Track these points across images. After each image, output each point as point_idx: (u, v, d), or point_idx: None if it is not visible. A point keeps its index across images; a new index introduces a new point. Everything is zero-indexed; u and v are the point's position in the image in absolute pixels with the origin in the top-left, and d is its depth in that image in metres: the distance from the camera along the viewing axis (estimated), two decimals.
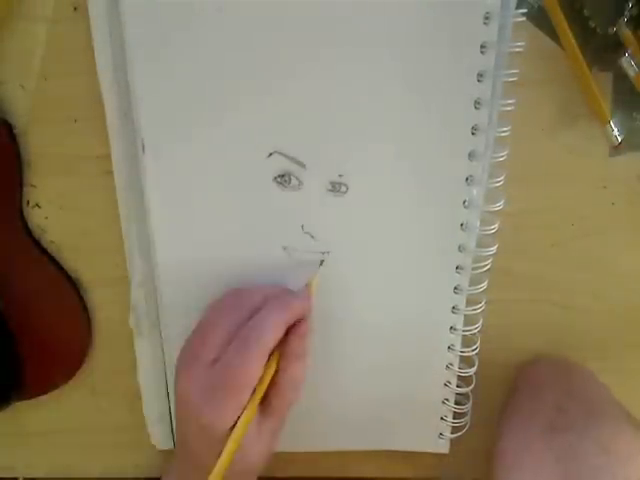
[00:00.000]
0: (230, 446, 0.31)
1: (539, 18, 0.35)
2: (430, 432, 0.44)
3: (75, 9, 0.35)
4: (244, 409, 0.32)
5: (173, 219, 0.37)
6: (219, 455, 0.31)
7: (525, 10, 0.34)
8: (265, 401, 0.34)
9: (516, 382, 0.43)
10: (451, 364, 0.41)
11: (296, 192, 0.37)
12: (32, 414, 0.45)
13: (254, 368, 0.32)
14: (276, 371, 0.33)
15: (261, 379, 0.32)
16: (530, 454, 0.36)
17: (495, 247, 0.38)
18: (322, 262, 0.38)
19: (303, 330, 0.34)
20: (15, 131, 0.38)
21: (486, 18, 0.34)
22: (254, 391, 0.32)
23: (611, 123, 0.37)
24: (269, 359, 0.33)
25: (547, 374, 0.42)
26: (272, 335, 0.32)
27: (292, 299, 0.34)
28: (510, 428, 0.40)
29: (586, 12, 0.34)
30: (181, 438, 0.36)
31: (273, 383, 0.33)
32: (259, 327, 0.32)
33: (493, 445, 0.39)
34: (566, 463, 0.34)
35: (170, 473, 0.38)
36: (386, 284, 0.39)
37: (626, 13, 0.33)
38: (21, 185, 0.39)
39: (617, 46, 0.35)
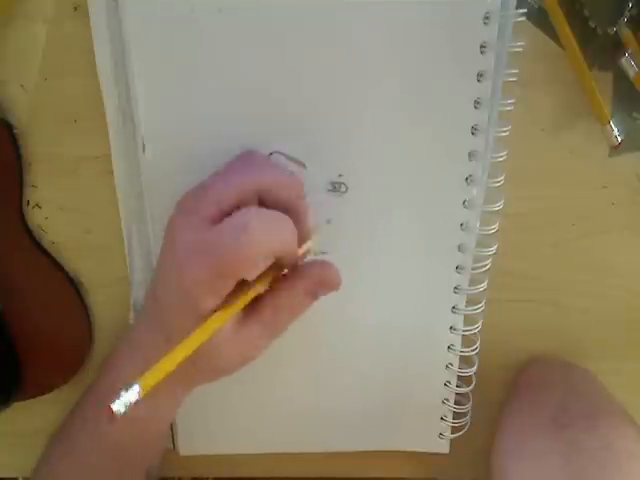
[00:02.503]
0: (200, 333, 0.29)
1: (539, 18, 0.35)
2: (430, 432, 0.44)
3: (75, 9, 0.35)
4: (229, 299, 0.30)
5: None
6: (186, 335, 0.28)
7: (525, 10, 0.34)
8: (257, 306, 0.32)
9: (516, 381, 0.43)
10: (451, 364, 0.41)
11: None
12: (32, 414, 0.45)
13: (252, 259, 0.29)
14: (277, 287, 0.32)
15: (259, 279, 0.31)
16: (533, 447, 0.36)
17: (495, 247, 0.38)
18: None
19: (334, 275, 0.32)
20: (15, 131, 0.38)
21: (486, 18, 0.34)
22: (247, 287, 0.30)
23: (611, 123, 0.36)
24: (273, 267, 0.31)
25: (549, 373, 0.42)
26: (280, 244, 0.30)
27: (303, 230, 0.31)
28: (512, 424, 0.40)
29: (586, 12, 0.34)
30: (156, 295, 0.33)
31: (271, 297, 0.32)
32: (272, 225, 0.29)
33: (493, 442, 0.39)
34: (570, 457, 0.35)
35: (131, 339, 0.36)
36: (386, 284, 0.39)
37: (626, 13, 0.33)
38: (21, 185, 0.39)
39: (617, 46, 0.35)
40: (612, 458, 0.34)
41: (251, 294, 0.31)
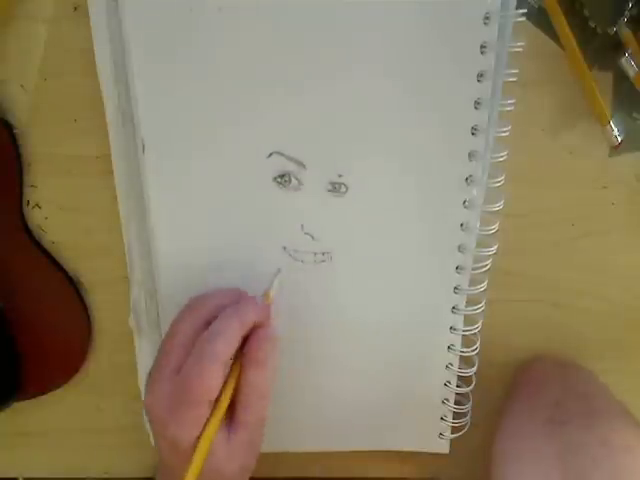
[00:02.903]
0: (195, 460, 0.30)
1: (539, 18, 0.35)
2: (430, 432, 0.44)
3: (75, 9, 0.35)
4: (206, 422, 0.31)
5: (173, 219, 0.37)
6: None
7: (525, 10, 0.34)
8: (232, 414, 0.33)
9: (515, 380, 0.43)
10: (451, 364, 0.41)
11: (296, 192, 0.37)
12: (32, 414, 0.45)
13: (210, 380, 0.31)
14: (238, 381, 0.33)
15: (222, 390, 0.32)
16: (530, 447, 0.36)
17: (495, 247, 0.38)
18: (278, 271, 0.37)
19: (262, 335, 0.33)
20: (15, 131, 0.38)
21: (486, 18, 0.34)
22: (217, 403, 0.32)
23: (611, 123, 0.36)
24: (231, 369, 0.32)
25: (546, 372, 0.42)
26: (225, 346, 0.31)
27: (245, 307, 0.33)
28: (510, 423, 0.40)
29: (586, 12, 0.34)
30: (159, 453, 0.35)
31: (238, 394, 0.33)
32: (212, 338, 0.31)
33: (492, 442, 0.39)
34: (566, 455, 0.35)
35: None
36: (386, 284, 0.39)
37: (626, 13, 0.33)
38: (21, 185, 0.39)
39: (617, 46, 0.35)
40: (608, 454, 0.34)
41: (226, 399, 0.32)
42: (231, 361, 0.32)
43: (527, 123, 0.38)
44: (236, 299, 0.34)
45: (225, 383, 0.32)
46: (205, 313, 0.33)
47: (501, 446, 0.39)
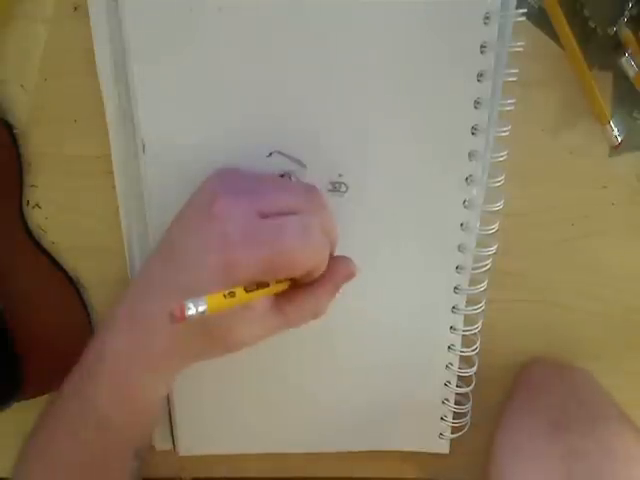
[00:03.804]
0: (251, 294, 0.29)
1: (539, 18, 0.35)
2: (430, 432, 0.44)
3: (75, 9, 0.35)
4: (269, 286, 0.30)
5: None
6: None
7: (525, 10, 0.34)
8: (283, 298, 0.32)
9: (516, 382, 0.43)
10: (451, 364, 0.41)
11: None
12: (32, 414, 0.45)
13: (306, 265, 0.30)
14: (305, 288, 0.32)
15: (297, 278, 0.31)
16: (532, 450, 0.36)
17: (495, 247, 0.38)
18: None
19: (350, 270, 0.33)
20: (15, 131, 0.38)
21: (486, 18, 0.34)
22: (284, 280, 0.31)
23: (611, 123, 0.37)
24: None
25: (548, 374, 0.42)
26: (325, 255, 0.30)
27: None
28: (511, 425, 0.40)
29: (586, 12, 0.34)
30: (175, 255, 0.32)
31: (300, 293, 0.32)
32: (329, 224, 0.31)
33: (492, 442, 0.39)
34: (568, 461, 0.35)
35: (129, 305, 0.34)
36: (386, 284, 0.39)
37: (626, 13, 0.33)
38: (21, 185, 0.39)
39: (617, 46, 0.35)
40: (609, 462, 0.34)
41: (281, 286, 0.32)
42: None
43: (527, 123, 0.38)
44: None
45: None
46: (304, 206, 0.31)
47: (502, 446, 0.39)
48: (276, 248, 0.29)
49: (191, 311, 0.24)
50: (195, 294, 0.26)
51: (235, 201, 0.30)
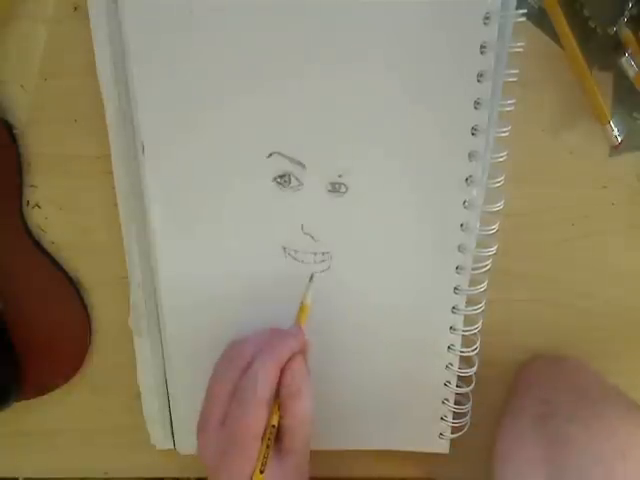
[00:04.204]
0: None
1: (539, 18, 0.35)
2: (430, 432, 0.44)
3: (75, 9, 0.35)
4: (257, 457, 0.32)
5: (173, 219, 0.37)
6: None
7: (525, 10, 0.34)
8: (280, 443, 0.34)
9: (515, 380, 0.43)
10: (451, 364, 0.41)
11: (296, 192, 0.37)
12: (32, 414, 0.45)
13: (255, 420, 0.32)
14: (281, 411, 0.34)
15: (267, 424, 0.33)
16: (521, 445, 0.37)
17: (495, 247, 0.38)
18: (312, 277, 0.37)
19: (295, 366, 0.34)
20: (15, 131, 0.38)
21: (486, 18, 0.34)
22: (264, 437, 0.33)
23: (611, 123, 0.37)
24: (274, 402, 0.34)
25: (543, 369, 0.42)
26: (266, 385, 0.33)
27: (281, 343, 0.34)
28: (509, 419, 0.40)
29: (586, 12, 0.34)
30: None
31: (282, 424, 0.34)
32: (252, 380, 0.33)
33: (493, 442, 0.39)
34: (552, 446, 0.35)
35: None
36: (386, 284, 0.39)
37: (626, 13, 0.33)
38: (21, 185, 0.39)
39: (617, 46, 0.35)
40: (586, 441, 0.34)
41: (270, 434, 0.33)
42: (272, 397, 0.34)
43: (527, 123, 0.38)
44: (269, 338, 0.35)
45: (269, 417, 0.33)
46: (242, 362, 0.34)
47: (499, 446, 0.39)
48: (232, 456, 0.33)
49: None
50: None
51: (201, 438, 0.35)
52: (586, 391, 0.39)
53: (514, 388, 0.42)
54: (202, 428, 0.35)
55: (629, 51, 0.34)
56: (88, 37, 0.35)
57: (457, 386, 0.42)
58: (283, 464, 0.34)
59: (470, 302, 0.40)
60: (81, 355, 0.43)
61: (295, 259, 0.38)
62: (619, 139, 0.37)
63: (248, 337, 0.36)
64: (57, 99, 0.37)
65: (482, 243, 0.38)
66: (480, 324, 0.40)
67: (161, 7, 0.33)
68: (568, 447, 0.34)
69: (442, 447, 0.44)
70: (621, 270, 0.41)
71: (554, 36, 0.35)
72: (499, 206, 0.38)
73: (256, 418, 0.32)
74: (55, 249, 0.41)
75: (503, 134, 0.36)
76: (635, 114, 0.36)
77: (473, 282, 0.39)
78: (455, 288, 0.39)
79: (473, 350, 0.41)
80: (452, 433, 0.43)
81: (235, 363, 0.35)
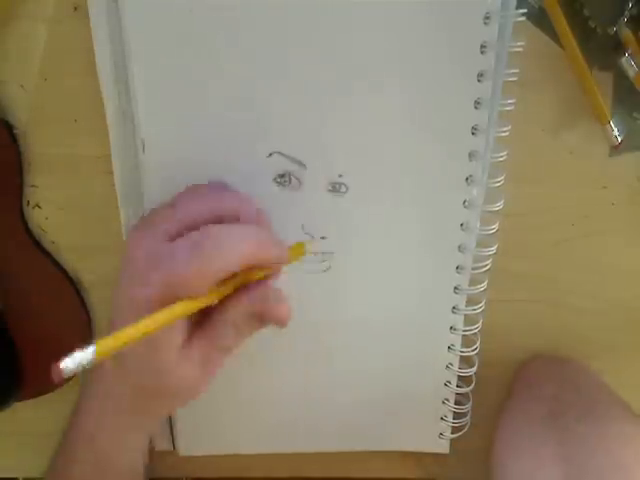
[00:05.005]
0: (140, 324, 0.27)
1: (539, 18, 0.35)
2: (430, 432, 0.44)
3: (75, 9, 0.35)
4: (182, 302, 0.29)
5: None
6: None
7: (525, 10, 0.34)
8: (204, 321, 0.31)
9: (515, 379, 0.43)
10: (451, 364, 0.41)
11: (296, 192, 0.37)
12: (32, 414, 0.45)
13: (203, 276, 0.29)
14: (232, 297, 0.31)
15: (208, 293, 0.29)
16: (529, 439, 0.37)
17: (495, 247, 0.38)
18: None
19: (273, 296, 0.31)
20: (15, 131, 0.38)
21: (486, 18, 0.34)
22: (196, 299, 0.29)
23: (611, 123, 0.37)
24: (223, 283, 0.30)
25: (543, 369, 0.42)
26: (237, 258, 0.29)
27: (268, 239, 0.31)
28: (508, 421, 0.40)
29: (586, 12, 0.34)
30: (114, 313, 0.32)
31: (219, 308, 0.31)
32: (228, 240, 0.29)
33: (492, 441, 0.39)
34: (563, 444, 0.35)
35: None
36: (386, 284, 0.39)
37: (626, 13, 0.33)
38: (21, 185, 0.39)
39: (617, 46, 0.35)
40: (603, 444, 0.34)
41: (204, 301, 0.30)
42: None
43: (527, 123, 0.38)
44: (262, 222, 0.32)
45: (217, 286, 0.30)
46: (227, 207, 0.31)
47: (500, 444, 0.39)
48: (166, 268, 0.29)
49: (70, 366, 0.25)
50: (114, 330, 0.27)
51: (140, 232, 0.32)
52: (591, 393, 0.39)
53: (516, 387, 0.42)
54: (144, 228, 0.31)
55: (629, 51, 0.34)
56: (88, 37, 0.35)
57: (457, 386, 0.42)
58: (194, 341, 0.31)
59: (470, 302, 0.40)
60: None
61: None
62: (619, 139, 0.37)
63: (245, 196, 0.33)
64: (57, 99, 0.37)
65: (482, 243, 0.38)
66: (480, 324, 0.40)
67: (161, 6, 0.33)
68: (584, 448, 0.34)
69: (442, 447, 0.44)
70: (621, 270, 0.41)
71: (554, 36, 0.35)
72: (499, 206, 0.38)
73: (202, 280, 0.28)
74: (55, 249, 0.41)
75: (503, 134, 0.36)
76: (635, 114, 0.36)
77: (473, 282, 0.39)
78: (455, 288, 0.39)
79: (473, 350, 0.41)
80: (452, 433, 0.43)
81: (219, 202, 0.32)
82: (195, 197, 0.33)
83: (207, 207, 0.31)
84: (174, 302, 0.29)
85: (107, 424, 0.34)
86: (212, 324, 0.32)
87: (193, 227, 0.30)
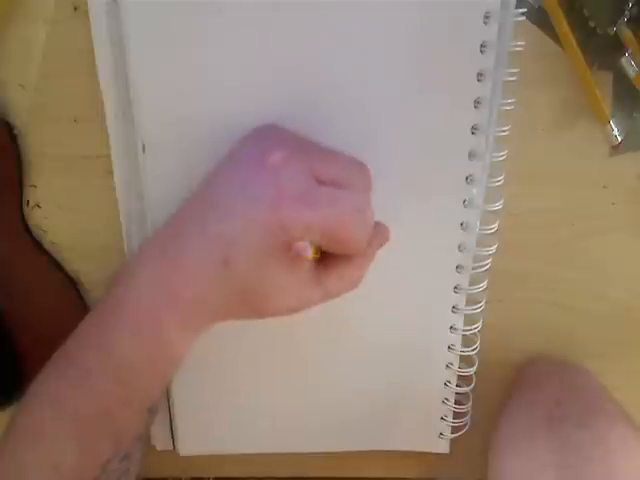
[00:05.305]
0: None
1: (539, 18, 0.35)
2: (430, 432, 0.44)
3: (75, 9, 0.35)
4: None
5: None
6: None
7: (525, 10, 0.34)
8: (320, 265, 0.31)
9: (515, 381, 0.43)
10: (451, 364, 0.41)
11: None
12: None
13: (356, 238, 0.29)
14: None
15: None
16: (528, 442, 0.37)
17: (495, 247, 0.38)
18: None
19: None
20: (15, 131, 0.38)
21: (486, 18, 0.34)
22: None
23: (611, 123, 0.36)
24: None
25: (545, 371, 0.42)
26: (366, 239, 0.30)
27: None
28: (508, 423, 0.40)
29: (586, 12, 0.34)
30: (215, 200, 0.31)
31: (338, 262, 0.31)
32: (371, 219, 0.30)
33: (490, 441, 0.39)
34: (561, 452, 0.35)
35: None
36: (386, 284, 0.39)
37: (626, 13, 0.33)
38: (21, 185, 0.39)
39: (617, 46, 0.35)
40: (602, 453, 0.34)
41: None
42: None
43: (527, 123, 0.38)
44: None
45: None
46: (351, 175, 0.31)
47: (499, 444, 0.39)
48: (332, 218, 0.28)
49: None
50: (239, 246, 0.26)
51: (292, 156, 0.29)
52: (591, 399, 0.39)
53: (517, 388, 0.42)
54: (301, 153, 0.30)
55: (629, 51, 0.34)
56: (88, 37, 0.35)
57: (457, 386, 0.42)
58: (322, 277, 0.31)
59: (470, 301, 0.40)
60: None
61: None
62: (619, 139, 0.37)
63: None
64: (57, 99, 0.37)
65: (482, 242, 0.38)
66: (480, 324, 0.40)
67: (161, 7, 0.33)
68: (581, 454, 0.34)
69: (442, 447, 0.44)
70: (621, 270, 0.41)
71: (554, 36, 0.35)
72: (499, 205, 0.38)
73: (357, 240, 0.29)
74: (55, 249, 0.41)
75: (503, 134, 0.36)
76: (635, 114, 0.36)
77: (473, 282, 0.39)
78: (455, 287, 0.39)
79: (473, 350, 0.41)
80: (452, 433, 0.43)
81: (361, 171, 0.31)
82: (338, 159, 0.32)
83: (348, 170, 0.31)
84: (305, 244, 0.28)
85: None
86: (327, 273, 0.32)
87: (331, 180, 0.30)
